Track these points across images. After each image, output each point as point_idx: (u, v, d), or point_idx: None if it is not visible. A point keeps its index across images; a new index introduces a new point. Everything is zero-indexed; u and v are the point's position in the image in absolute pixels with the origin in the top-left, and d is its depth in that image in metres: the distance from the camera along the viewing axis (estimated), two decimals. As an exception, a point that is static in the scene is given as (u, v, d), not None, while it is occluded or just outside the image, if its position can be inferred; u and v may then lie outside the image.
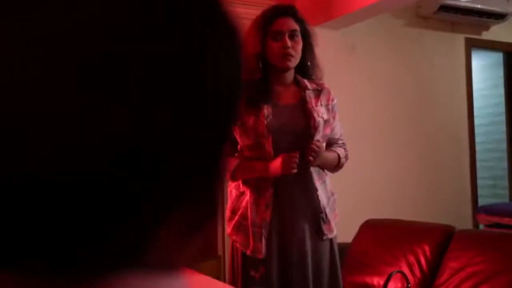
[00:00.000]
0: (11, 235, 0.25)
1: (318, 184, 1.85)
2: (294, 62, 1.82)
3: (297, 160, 1.71)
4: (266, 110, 1.77)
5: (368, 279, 2.72)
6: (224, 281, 2.98)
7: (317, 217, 1.83)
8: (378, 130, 3.73)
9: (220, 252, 3.16)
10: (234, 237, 1.85)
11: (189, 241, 0.31)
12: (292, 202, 1.81)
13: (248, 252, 1.79)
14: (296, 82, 1.89)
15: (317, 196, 1.84)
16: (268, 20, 1.80)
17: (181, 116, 0.27)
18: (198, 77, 0.28)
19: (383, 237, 2.89)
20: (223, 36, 0.30)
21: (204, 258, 2.92)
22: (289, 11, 1.83)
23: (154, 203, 0.28)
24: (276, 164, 1.73)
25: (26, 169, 0.25)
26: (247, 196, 1.82)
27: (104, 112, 0.25)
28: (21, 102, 0.24)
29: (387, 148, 3.81)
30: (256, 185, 1.80)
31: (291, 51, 1.79)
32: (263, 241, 1.77)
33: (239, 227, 1.83)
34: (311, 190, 1.83)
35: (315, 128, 1.81)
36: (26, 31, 0.25)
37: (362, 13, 3.18)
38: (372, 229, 3.01)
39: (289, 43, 1.78)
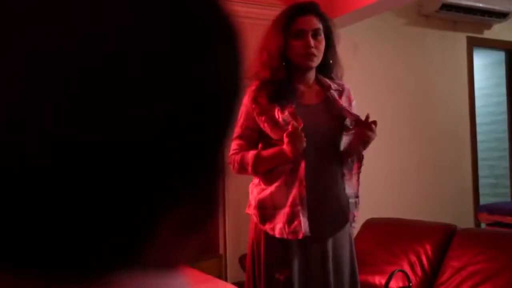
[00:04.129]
0: (11, 235, 0.25)
1: (345, 177, 1.85)
2: (316, 61, 1.80)
3: (299, 132, 1.65)
4: (291, 108, 1.75)
5: (369, 278, 2.72)
6: (226, 280, 2.99)
7: (343, 208, 1.82)
8: (379, 129, 3.71)
9: (221, 251, 3.16)
10: (268, 227, 1.78)
11: (188, 240, 0.31)
12: (318, 196, 1.78)
13: (290, 236, 1.73)
14: (318, 81, 1.87)
15: (343, 187, 1.83)
16: (290, 18, 1.77)
17: (179, 115, 0.27)
18: (196, 76, 0.28)
19: (385, 236, 2.89)
20: (222, 35, 0.30)
21: (205, 257, 2.92)
22: (312, 9, 1.79)
23: (153, 202, 0.28)
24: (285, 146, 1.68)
25: (25, 167, 0.25)
26: (273, 187, 1.78)
27: (103, 111, 0.25)
28: (20, 102, 0.24)
29: (389, 146, 3.81)
30: (288, 171, 1.77)
31: (314, 50, 1.76)
32: (301, 218, 1.72)
33: (273, 216, 1.77)
34: (337, 181, 1.82)
35: (354, 120, 1.79)
36: (22, 31, 0.25)
37: (364, 12, 3.17)
38: (374, 228, 3.01)
39: (312, 42, 1.75)
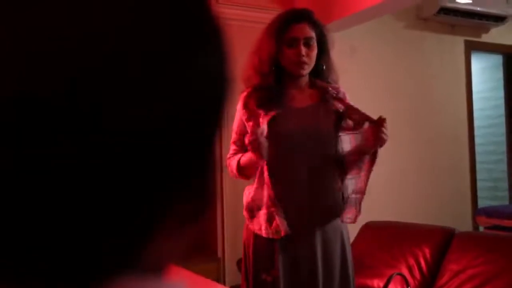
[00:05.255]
0: (9, 238, 0.25)
1: (348, 175, 1.87)
2: (307, 69, 1.82)
3: (256, 135, 1.68)
4: (271, 114, 1.78)
5: (368, 281, 2.71)
6: (224, 283, 2.98)
7: (334, 209, 1.84)
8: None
9: (219, 255, 3.15)
10: (256, 228, 1.83)
11: (184, 238, 0.31)
12: (305, 196, 1.80)
13: (274, 236, 1.77)
14: (312, 84, 1.88)
15: (337, 188, 1.85)
16: (284, 26, 1.78)
17: (178, 115, 0.27)
18: (195, 76, 0.28)
19: (383, 239, 2.89)
20: (215, 35, 0.30)
21: (203, 260, 2.91)
22: (305, 16, 1.81)
23: (153, 202, 0.27)
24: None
25: (24, 169, 0.24)
26: (253, 189, 1.84)
27: (103, 111, 0.25)
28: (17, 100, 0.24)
29: (387, 150, 3.77)
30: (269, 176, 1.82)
31: (305, 59, 1.78)
32: (277, 218, 1.76)
33: (258, 217, 1.83)
34: (328, 181, 1.83)
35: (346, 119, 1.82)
36: (22, 30, 0.25)
37: (362, 15, 3.18)
38: (372, 231, 3.01)
39: (303, 51, 1.77)
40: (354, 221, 1.89)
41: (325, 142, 1.84)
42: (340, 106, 1.86)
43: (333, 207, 1.85)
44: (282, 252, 1.77)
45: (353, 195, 1.88)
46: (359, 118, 1.82)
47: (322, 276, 1.79)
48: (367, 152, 1.85)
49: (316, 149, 1.82)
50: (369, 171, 1.88)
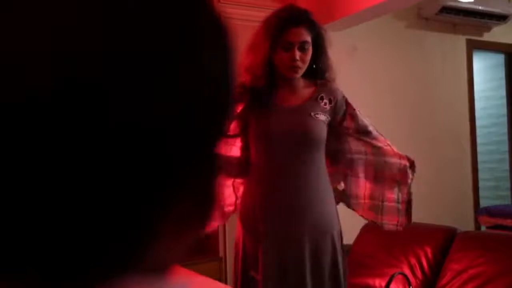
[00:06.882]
0: (9, 241, 0.25)
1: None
2: (300, 72, 1.82)
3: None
4: (260, 115, 1.81)
5: (369, 281, 2.71)
6: (226, 283, 2.98)
7: (324, 210, 1.85)
8: (379, 131, 3.72)
9: (221, 254, 3.15)
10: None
11: (185, 239, 0.31)
12: (286, 196, 1.82)
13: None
14: (306, 84, 1.88)
15: (326, 187, 1.87)
16: (281, 28, 1.77)
17: (179, 116, 0.27)
18: (196, 76, 0.28)
19: (385, 238, 2.88)
20: (216, 36, 0.30)
21: (205, 260, 2.91)
22: (303, 20, 1.79)
23: (153, 203, 0.27)
24: None
25: (26, 171, 0.24)
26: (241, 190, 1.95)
27: (103, 112, 0.25)
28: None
29: (389, 149, 3.80)
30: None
31: (299, 63, 1.78)
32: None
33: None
34: (313, 181, 1.84)
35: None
36: (36, 27, 0.25)
37: (364, 15, 3.17)
38: (374, 231, 3.00)
39: (297, 55, 1.77)
40: (397, 227, 1.97)
41: (312, 142, 1.83)
42: (326, 105, 1.88)
43: (321, 208, 1.85)
44: (266, 253, 1.78)
45: (391, 204, 1.97)
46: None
47: (310, 277, 1.79)
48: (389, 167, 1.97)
49: (303, 149, 1.82)
50: (406, 183, 2.01)
